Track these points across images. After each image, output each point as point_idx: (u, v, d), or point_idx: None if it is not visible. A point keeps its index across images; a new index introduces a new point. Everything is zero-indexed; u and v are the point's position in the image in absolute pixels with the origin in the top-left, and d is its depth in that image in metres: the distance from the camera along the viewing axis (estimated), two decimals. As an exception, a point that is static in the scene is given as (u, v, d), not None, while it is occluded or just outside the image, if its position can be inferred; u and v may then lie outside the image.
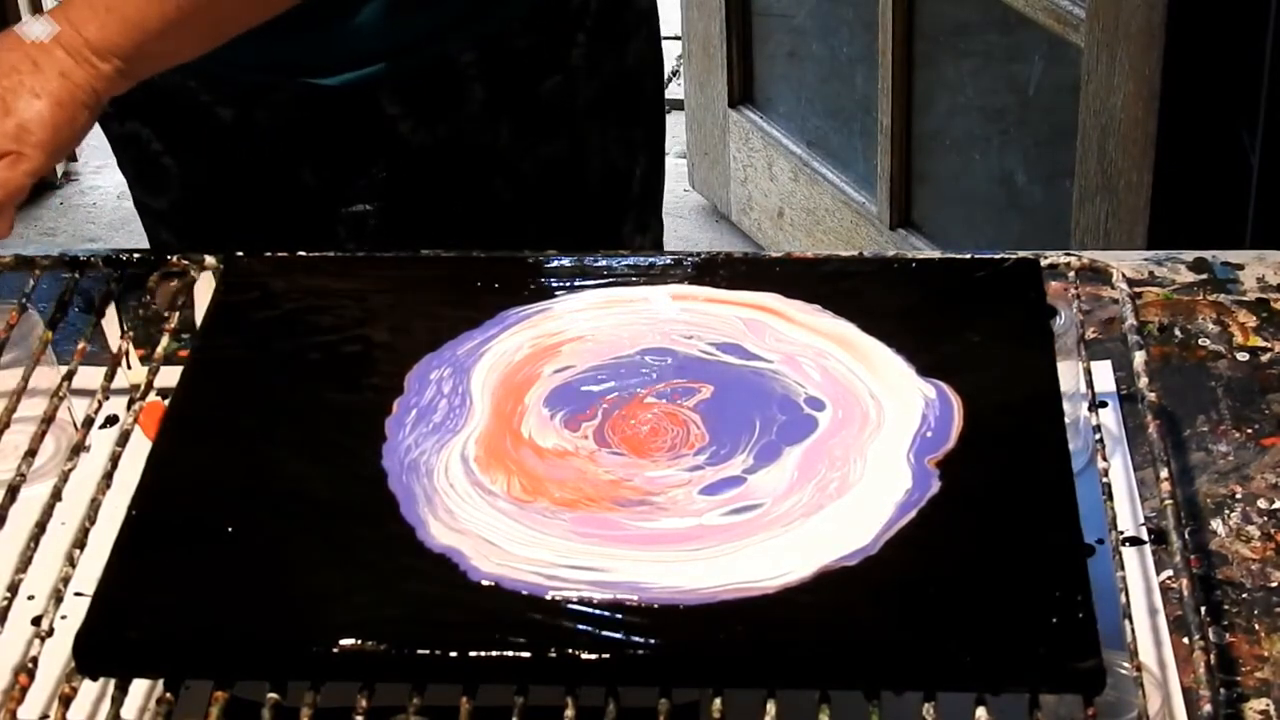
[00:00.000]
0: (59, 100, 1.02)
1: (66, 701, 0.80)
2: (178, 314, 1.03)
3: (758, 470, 0.88)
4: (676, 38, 2.97)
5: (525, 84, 1.28)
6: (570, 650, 0.78)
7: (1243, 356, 1.14)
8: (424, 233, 1.07)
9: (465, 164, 1.29)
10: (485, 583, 0.82)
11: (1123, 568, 0.85)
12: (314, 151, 1.28)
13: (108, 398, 0.99)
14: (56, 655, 0.84)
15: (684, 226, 2.93)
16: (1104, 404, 1.07)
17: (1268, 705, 0.90)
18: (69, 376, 1.00)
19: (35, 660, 0.82)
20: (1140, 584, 0.96)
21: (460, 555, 0.83)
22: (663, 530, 0.85)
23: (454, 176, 1.29)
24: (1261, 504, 1.02)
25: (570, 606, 0.80)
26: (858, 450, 0.89)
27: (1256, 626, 0.94)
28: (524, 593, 0.81)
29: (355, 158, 1.28)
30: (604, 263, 1.03)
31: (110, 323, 1.09)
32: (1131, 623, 0.82)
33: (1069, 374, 0.96)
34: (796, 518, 0.85)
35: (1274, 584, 0.97)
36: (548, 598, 0.81)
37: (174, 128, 1.32)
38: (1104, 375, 1.10)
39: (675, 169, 2.98)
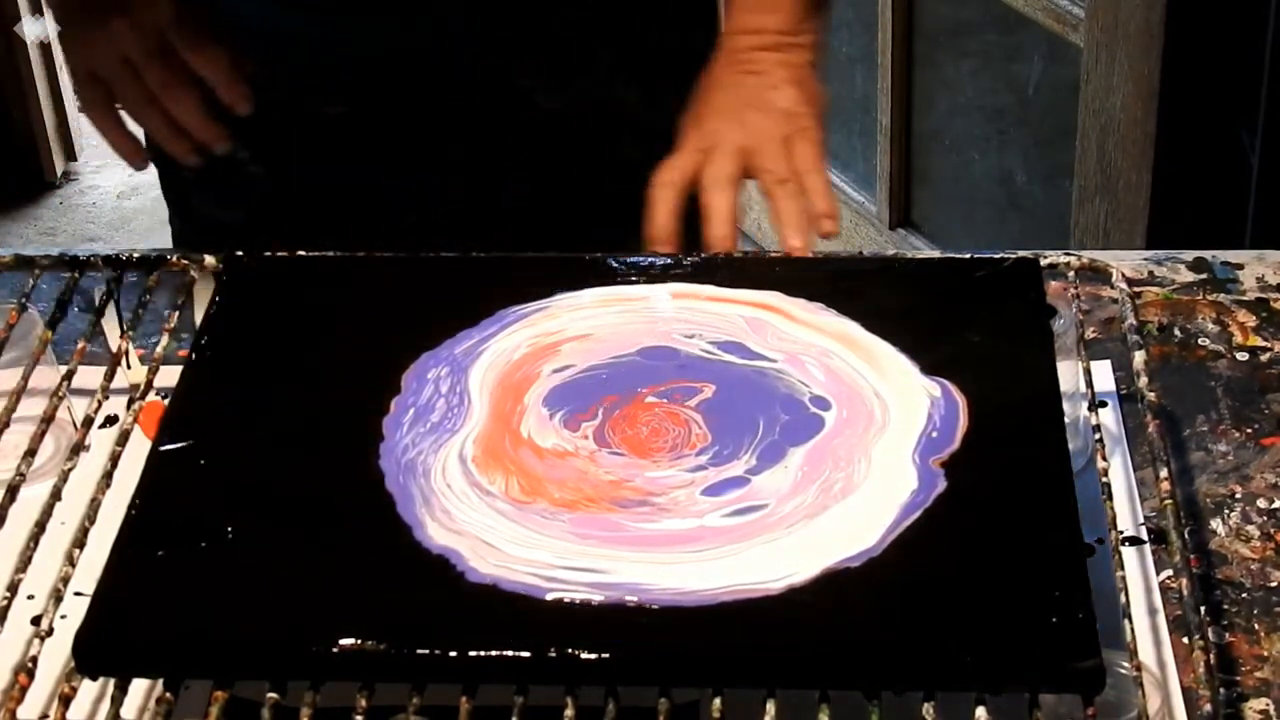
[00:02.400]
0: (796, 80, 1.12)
1: (66, 701, 0.80)
2: (177, 314, 1.03)
3: (761, 471, 0.88)
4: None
5: (659, 43, 1.28)
6: (570, 650, 0.78)
7: (1242, 356, 1.14)
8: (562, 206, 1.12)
9: (594, 128, 1.28)
10: (483, 584, 0.81)
11: (1122, 567, 0.84)
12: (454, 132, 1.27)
13: (107, 397, 0.99)
14: (56, 655, 0.84)
15: (684, 226, 2.92)
16: (1104, 404, 1.07)
17: (1267, 705, 0.90)
18: (69, 376, 0.99)
19: (35, 660, 0.82)
20: (1140, 584, 0.96)
21: (458, 556, 0.83)
22: (664, 531, 0.84)
23: (583, 141, 1.28)
24: (1261, 504, 1.02)
25: (570, 607, 0.80)
26: (862, 450, 0.89)
27: (1256, 626, 0.94)
28: (522, 594, 0.81)
29: (494, 135, 1.27)
30: (604, 262, 1.03)
31: (110, 323, 1.09)
32: (1131, 622, 0.82)
33: (1069, 374, 0.96)
34: (800, 519, 0.85)
35: (1274, 584, 0.97)
36: (547, 598, 0.81)
37: (271, 137, 1.27)
38: (1104, 375, 1.10)
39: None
